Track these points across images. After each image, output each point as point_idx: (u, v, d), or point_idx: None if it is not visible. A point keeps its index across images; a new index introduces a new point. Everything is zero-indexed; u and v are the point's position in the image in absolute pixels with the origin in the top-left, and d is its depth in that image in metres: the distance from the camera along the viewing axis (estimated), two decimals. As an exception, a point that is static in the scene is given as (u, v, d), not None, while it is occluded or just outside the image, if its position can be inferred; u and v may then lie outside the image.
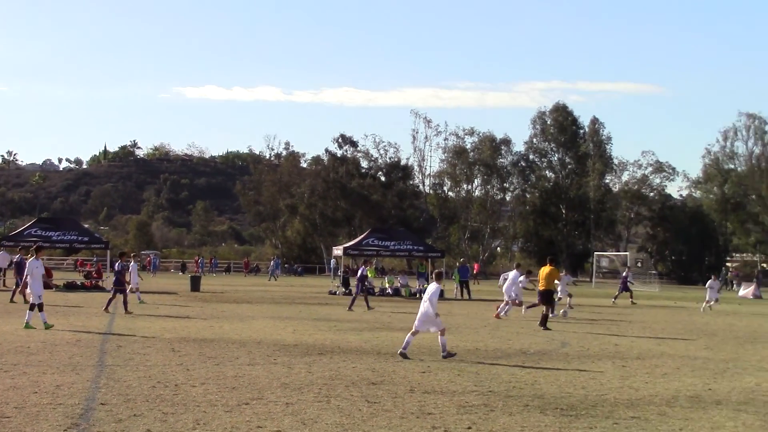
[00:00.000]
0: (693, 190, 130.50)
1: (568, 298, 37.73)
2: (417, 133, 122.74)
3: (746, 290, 66.47)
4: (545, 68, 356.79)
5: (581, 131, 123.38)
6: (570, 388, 14.74)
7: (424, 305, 19.14)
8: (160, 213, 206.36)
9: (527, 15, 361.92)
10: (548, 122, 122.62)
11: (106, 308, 30.51)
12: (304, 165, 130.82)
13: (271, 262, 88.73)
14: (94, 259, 79.83)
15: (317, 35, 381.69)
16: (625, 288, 48.80)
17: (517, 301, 33.79)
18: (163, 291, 47.90)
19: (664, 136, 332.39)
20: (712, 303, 41.97)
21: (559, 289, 35.80)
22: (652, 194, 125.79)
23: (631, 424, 11.61)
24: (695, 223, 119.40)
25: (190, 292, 47.30)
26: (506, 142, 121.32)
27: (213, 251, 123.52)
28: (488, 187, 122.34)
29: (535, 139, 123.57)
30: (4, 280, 49.12)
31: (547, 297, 28.97)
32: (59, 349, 18.65)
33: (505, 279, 35.61)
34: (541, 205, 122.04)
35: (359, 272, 39.37)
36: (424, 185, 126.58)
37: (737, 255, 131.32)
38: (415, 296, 49.40)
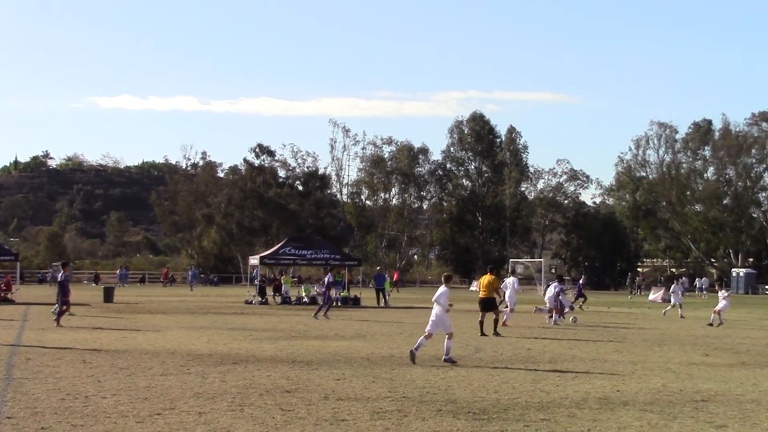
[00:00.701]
0: (606, 198, 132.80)
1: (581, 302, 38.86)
2: (335, 142, 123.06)
3: (655, 294, 67.79)
4: (463, 78, 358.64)
5: (498, 140, 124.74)
6: (483, 393, 14.89)
7: (436, 308, 19.98)
8: (73, 224, 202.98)
9: (445, 25, 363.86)
10: (465, 131, 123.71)
11: (57, 321, 29.84)
12: (221, 175, 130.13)
13: (189, 272, 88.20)
14: (3, 271, 78.12)
15: (234, 44, 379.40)
16: (580, 294, 48.90)
17: (510, 309, 34.53)
18: (75, 303, 47.14)
19: (579, 145, 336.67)
20: (677, 306, 42.34)
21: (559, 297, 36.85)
22: (566, 202, 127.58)
23: (541, 427, 11.79)
24: (608, 229, 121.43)
25: (104, 303, 46.68)
26: (424, 151, 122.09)
27: (127, 262, 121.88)
28: (405, 195, 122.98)
29: (452, 148, 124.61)
30: None
31: (489, 304, 29.11)
32: (-33, 362, 18.31)
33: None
34: (458, 213, 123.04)
35: (326, 280, 39.41)
36: (341, 194, 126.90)
37: (648, 260, 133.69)
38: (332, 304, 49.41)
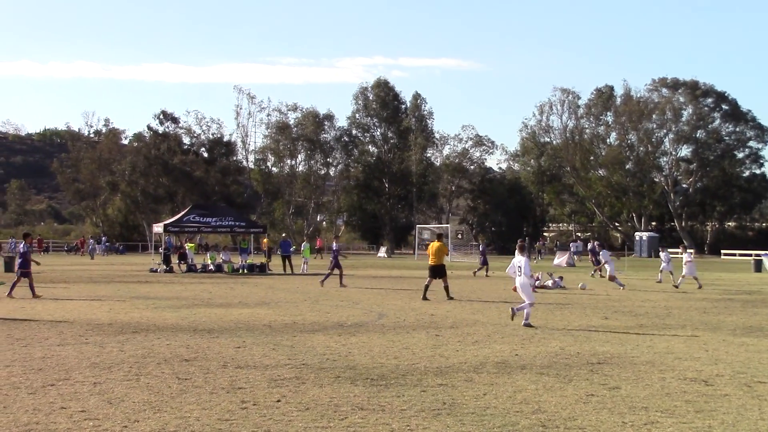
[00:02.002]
0: (511, 163, 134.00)
1: (608, 268, 38.79)
2: (240, 109, 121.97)
3: (560, 259, 68.65)
4: (368, 44, 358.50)
5: (403, 106, 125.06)
6: (382, 359, 14.92)
7: (520, 278, 20.95)
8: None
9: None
10: (370, 98, 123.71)
11: (10, 293, 29.07)
12: (125, 142, 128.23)
13: (90, 240, 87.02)
14: None
15: (137, 9, 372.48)
16: (485, 262, 48.97)
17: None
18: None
19: (484, 111, 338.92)
20: (669, 271, 42.01)
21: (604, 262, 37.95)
22: (472, 167, 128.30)
23: (438, 391, 11.83)
24: (514, 195, 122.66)
25: (4, 273, 45.72)
26: (329, 117, 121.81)
27: (30, 230, 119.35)
28: (312, 162, 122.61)
29: (357, 115, 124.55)
30: None
31: (439, 271, 29.96)
32: None
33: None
34: (365, 180, 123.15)
35: (335, 247, 38.88)
36: (247, 161, 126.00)
37: (553, 225, 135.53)
38: (238, 272, 49.17)
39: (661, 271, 43.08)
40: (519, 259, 21.10)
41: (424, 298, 29.08)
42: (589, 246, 51.69)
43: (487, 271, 48.45)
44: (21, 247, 31.24)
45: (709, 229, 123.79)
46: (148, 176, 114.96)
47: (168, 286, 36.40)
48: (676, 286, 37.55)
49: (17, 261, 32.23)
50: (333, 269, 37.45)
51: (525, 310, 20.68)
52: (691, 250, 39.08)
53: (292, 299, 29.23)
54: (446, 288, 29.89)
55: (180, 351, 15.74)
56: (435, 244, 30.66)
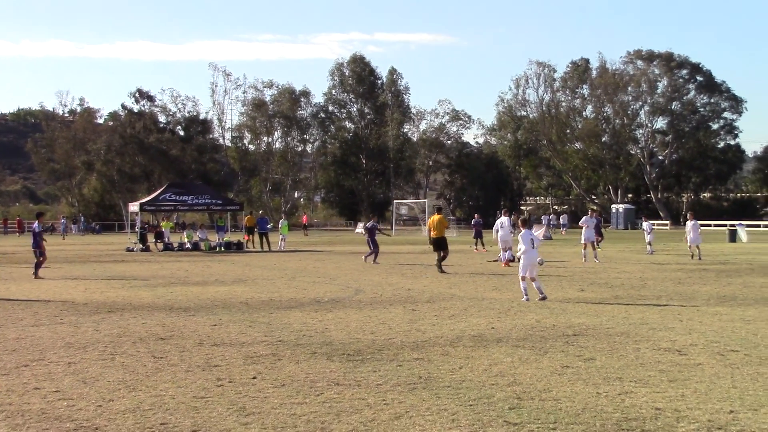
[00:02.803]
0: (488, 137, 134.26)
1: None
2: (216, 86, 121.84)
3: (537, 232, 68.68)
4: (344, 20, 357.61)
5: (379, 82, 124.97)
6: (359, 334, 14.92)
7: (533, 253, 20.62)
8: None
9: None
10: (347, 73, 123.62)
11: (36, 275, 29.04)
12: (100, 121, 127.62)
13: (62, 220, 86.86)
14: None
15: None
16: (478, 234, 48.42)
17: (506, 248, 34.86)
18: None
19: (460, 86, 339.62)
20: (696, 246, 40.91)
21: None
22: (449, 142, 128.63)
23: (414, 366, 11.85)
24: (491, 169, 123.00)
25: None
26: (305, 94, 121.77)
27: (5, 212, 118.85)
28: (288, 139, 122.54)
29: (334, 91, 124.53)
30: None
31: (440, 243, 30.67)
32: None
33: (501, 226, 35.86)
34: (342, 156, 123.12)
35: (370, 224, 38.73)
36: (224, 138, 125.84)
37: (531, 198, 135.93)
38: (215, 250, 49.07)
39: (649, 243, 43.16)
40: (529, 233, 20.92)
41: (441, 271, 29.75)
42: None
43: (483, 245, 47.63)
44: (34, 226, 31.23)
45: (684, 200, 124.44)
46: (123, 155, 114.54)
47: (144, 265, 36.30)
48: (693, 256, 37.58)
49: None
50: (374, 245, 37.43)
51: (535, 286, 20.51)
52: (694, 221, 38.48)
53: (268, 276, 29.21)
54: (440, 261, 30.32)
55: (156, 330, 15.70)
56: (435, 217, 31.27)
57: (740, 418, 8.86)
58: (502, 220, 36.39)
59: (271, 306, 19.58)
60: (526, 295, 20.33)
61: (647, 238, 43.26)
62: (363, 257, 37.72)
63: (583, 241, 37.83)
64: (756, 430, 8.38)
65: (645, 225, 44.29)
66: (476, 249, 46.77)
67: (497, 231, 35.79)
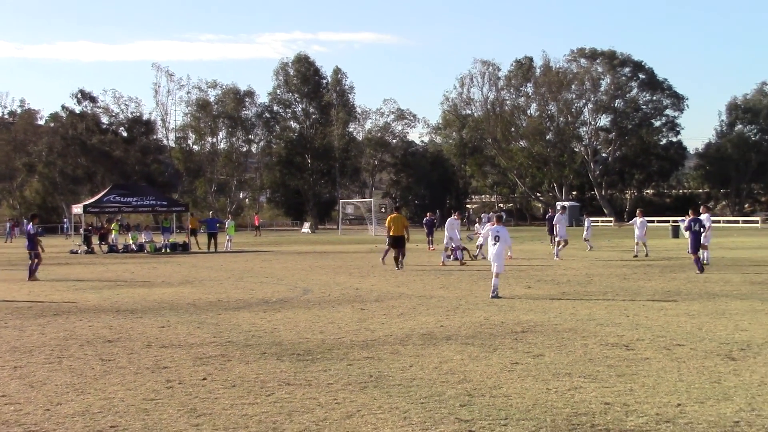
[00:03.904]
0: (433, 136, 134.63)
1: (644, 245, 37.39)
2: (159, 87, 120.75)
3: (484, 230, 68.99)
4: (286, 19, 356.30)
5: (324, 81, 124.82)
6: (308, 334, 14.90)
7: (496, 247, 20.98)
8: None
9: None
10: (291, 73, 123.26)
11: (31, 276, 29.15)
12: (41, 122, 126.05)
13: (8, 224, 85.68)
14: None
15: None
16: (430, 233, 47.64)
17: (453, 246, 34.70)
18: None
19: (405, 85, 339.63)
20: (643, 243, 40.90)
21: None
22: (394, 141, 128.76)
23: (365, 365, 11.86)
24: (436, 167, 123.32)
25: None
26: (250, 94, 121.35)
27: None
28: (233, 139, 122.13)
29: (278, 90, 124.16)
30: None
31: (398, 241, 31.74)
32: None
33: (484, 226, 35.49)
34: (287, 156, 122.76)
35: (426, 219, 37.98)
36: (168, 139, 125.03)
37: (476, 197, 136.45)
38: (160, 251, 48.71)
39: (586, 239, 43.35)
40: (498, 228, 21.28)
41: (399, 267, 30.82)
42: (549, 214, 47.52)
43: (431, 244, 46.99)
44: (30, 228, 31.39)
45: (628, 197, 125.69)
46: (65, 157, 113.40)
47: (89, 267, 35.97)
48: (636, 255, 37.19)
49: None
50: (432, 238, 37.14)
51: (492, 282, 20.77)
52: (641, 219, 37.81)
53: (216, 277, 29.07)
54: (399, 258, 31.41)
55: (103, 332, 15.56)
56: (393, 216, 32.64)
57: (687, 410, 8.98)
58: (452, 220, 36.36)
59: (219, 307, 19.49)
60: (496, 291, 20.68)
61: (585, 234, 43.62)
62: (453, 258, 34.96)
63: (559, 239, 37.67)
64: (703, 423, 8.50)
65: (585, 222, 44.62)
66: (430, 248, 46.27)
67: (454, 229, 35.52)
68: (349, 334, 14.78)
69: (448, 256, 34.38)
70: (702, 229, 29.24)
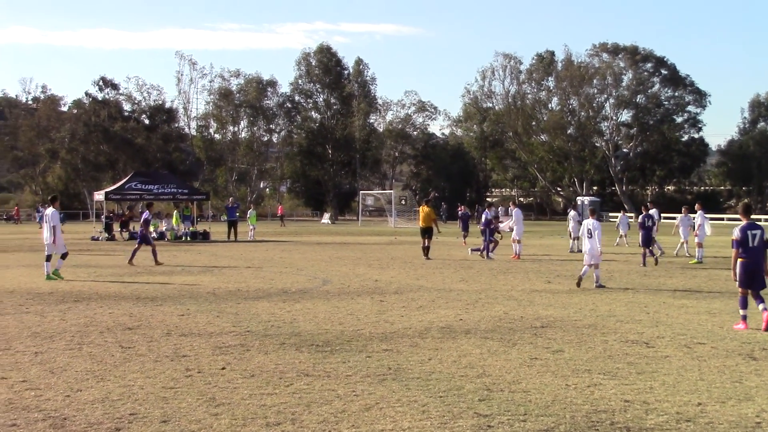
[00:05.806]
0: (454, 129, 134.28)
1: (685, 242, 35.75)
2: (182, 75, 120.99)
3: (503, 224, 68.91)
4: (308, 10, 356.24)
5: (346, 72, 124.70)
6: (327, 325, 14.91)
7: (591, 241, 21.63)
8: None
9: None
10: (313, 63, 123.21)
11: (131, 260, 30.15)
12: (64, 109, 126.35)
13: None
14: None
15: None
16: (465, 228, 46.42)
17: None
18: None
19: (426, 77, 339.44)
20: (624, 236, 42.93)
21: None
22: (415, 133, 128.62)
23: (383, 357, 11.85)
24: (457, 160, 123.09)
25: None
26: (272, 83, 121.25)
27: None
28: (254, 128, 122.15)
29: (300, 81, 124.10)
30: None
31: (428, 232, 33.61)
32: None
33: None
34: (308, 146, 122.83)
35: (484, 216, 36.27)
36: (189, 128, 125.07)
37: (496, 190, 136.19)
38: (181, 239, 48.78)
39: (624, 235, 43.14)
40: (590, 222, 21.89)
41: (426, 258, 32.51)
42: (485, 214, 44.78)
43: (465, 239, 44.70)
44: (145, 214, 32.35)
45: (648, 192, 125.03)
46: (88, 143, 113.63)
47: (110, 255, 36.09)
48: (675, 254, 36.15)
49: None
50: (489, 239, 35.03)
51: (595, 273, 21.72)
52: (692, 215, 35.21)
53: (236, 266, 29.13)
54: (426, 248, 33.08)
55: (123, 319, 15.61)
56: (424, 208, 34.53)
57: (708, 410, 8.94)
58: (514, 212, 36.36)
59: (238, 296, 19.52)
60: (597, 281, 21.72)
61: (621, 230, 43.29)
62: (480, 254, 34.60)
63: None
64: (724, 423, 8.46)
65: (621, 218, 44.02)
66: (465, 243, 44.42)
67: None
68: (368, 326, 14.77)
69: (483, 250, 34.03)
70: (653, 225, 31.08)
